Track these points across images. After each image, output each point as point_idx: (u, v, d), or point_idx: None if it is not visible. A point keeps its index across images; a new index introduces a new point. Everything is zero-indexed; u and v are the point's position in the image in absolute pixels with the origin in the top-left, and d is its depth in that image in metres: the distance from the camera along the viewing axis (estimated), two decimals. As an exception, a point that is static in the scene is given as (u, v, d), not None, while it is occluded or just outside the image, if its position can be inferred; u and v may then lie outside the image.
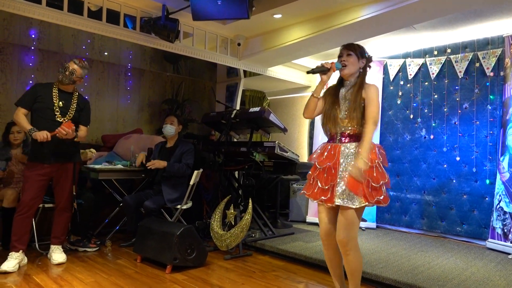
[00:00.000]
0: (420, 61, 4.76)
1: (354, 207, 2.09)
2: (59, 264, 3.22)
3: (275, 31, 4.39)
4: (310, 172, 2.33)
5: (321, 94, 2.36)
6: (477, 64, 4.33)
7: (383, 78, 5.02)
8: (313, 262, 3.34)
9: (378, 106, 2.19)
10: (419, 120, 4.74)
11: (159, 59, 5.90)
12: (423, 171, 4.67)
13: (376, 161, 2.15)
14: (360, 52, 2.29)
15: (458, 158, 4.41)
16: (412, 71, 4.81)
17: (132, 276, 3.00)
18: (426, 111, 4.69)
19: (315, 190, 2.25)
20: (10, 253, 3.06)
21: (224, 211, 3.84)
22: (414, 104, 4.80)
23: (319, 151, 2.35)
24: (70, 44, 4.98)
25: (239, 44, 4.67)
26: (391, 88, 5.00)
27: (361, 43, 4.54)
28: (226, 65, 4.85)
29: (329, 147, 2.29)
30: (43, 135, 2.98)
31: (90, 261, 3.38)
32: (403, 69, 4.90)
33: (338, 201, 2.12)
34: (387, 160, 2.26)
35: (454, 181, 4.42)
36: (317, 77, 5.33)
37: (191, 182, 3.88)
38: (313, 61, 5.43)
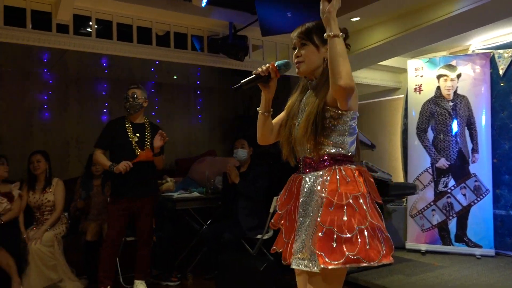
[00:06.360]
0: (539, 48, 4.41)
1: (317, 270, 1.57)
2: (143, 299, 3.57)
3: (354, 34, 4.38)
4: (272, 220, 1.87)
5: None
6: None
7: (491, 73, 4.71)
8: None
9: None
10: (542, 121, 4.37)
11: (228, 75, 6.21)
12: (553, 184, 4.29)
13: (351, 194, 1.59)
14: (319, 38, 1.71)
15: None
16: (528, 61, 4.47)
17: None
18: (551, 109, 4.31)
19: (284, 245, 1.78)
20: (99, 290, 3.48)
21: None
22: (535, 102, 4.44)
23: (284, 188, 1.86)
24: (139, 69, 5.51)
25: (314, 52, 4.75)
26: (503, 84, 4.68)
27: (457, 37, 4.43)
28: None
29: (292, 180, 1.82)
30: (124, 165, 3.35)
31: (173, 296, 3.69)
32: (516, 60, 4.57)
33: (294, 263, 1.66)
34: (378, 192, 1.70)
35: None
36: (409, 78, 5.20)
37: (271, 210, 4.03)
38: (402, 60, 5.30)
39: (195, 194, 4.41)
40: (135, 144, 3.54)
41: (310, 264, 1.59)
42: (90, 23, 3.68)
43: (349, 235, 1.51)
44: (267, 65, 1.70)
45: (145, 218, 3.64)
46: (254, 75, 1.71)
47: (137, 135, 3.59)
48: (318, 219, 1.57)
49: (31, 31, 3.40)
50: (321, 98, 1.66)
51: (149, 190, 3.66)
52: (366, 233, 1.53)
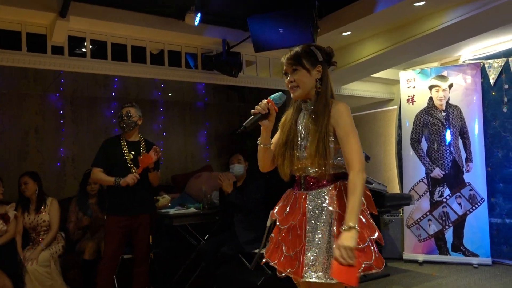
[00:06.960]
0: (528, 58, 4.50)
1: (333, 282, 1.66)
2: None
3: (345, 48, 4.48)
4: (272, 234, 1.98)
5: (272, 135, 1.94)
6: None
7: (482, 83, 4.80)
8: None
9: (358, 138, 1.76)
10: (534, 129, 4.44)
11: (223, 90, 6.27)
12: (547, 191, 4.34)
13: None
14: (309, 61, 1.83)
15: None
16: (518, 71, 4.56)
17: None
18: (542, 117, 4.39)
19: (282, 259, 1.86)
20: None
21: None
22: (526, 111, 4.52)
23: (281, 203, 1.97)
24: (134, 87, 5.56)
25: (307, 66, 4.83)
26: (494, 94, 4.76)
27: (447, 48, 4.51)
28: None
29: (293, 196, 1.91)
30: (132, 177, 3.36)
31: (171, 314, 3.69)
32: (506, 70, 4.65)
33: (308, 275, 1.72)
34: (374, 204, 1.88)
35: None
36: (401, 89, 5.28)
37: (268, 224, 4.04)
38: (394, 71, 5.38)
39: (192, 209, 4.42)
40: (130, 162, 3.57)
41: (325, 276, 1.68)
42: (85, 43, 3.74)
43: (362, 246, 1.67)
44: (264, 101, 1.79)
45: (142, 235, 3.64)
46: (253, 115, 1.78)
47: (132, 153, 3.62)
48: (335, 232, 1.70)
49: (27, 53, 3.46)
50: (325, 124, 1.77)
51: (146, 207, 3.67)
52: (374, 243, 1.73)
